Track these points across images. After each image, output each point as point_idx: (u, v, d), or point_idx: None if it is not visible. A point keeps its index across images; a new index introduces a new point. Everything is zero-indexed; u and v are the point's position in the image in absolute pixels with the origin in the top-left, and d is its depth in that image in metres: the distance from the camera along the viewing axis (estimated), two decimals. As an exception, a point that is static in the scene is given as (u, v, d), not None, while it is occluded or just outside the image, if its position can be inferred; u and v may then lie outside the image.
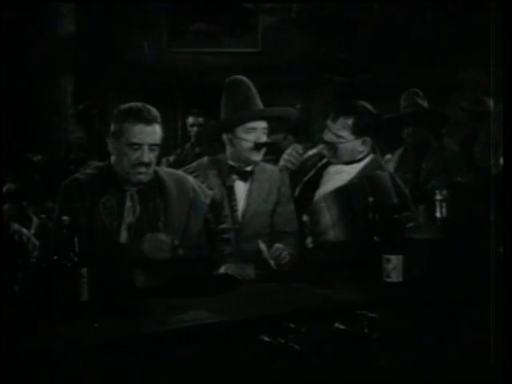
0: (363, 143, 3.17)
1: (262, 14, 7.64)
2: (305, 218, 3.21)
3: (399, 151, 4.51)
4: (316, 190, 3.23)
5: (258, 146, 3.11)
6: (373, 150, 3.25)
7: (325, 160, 3.30)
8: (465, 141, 4.68)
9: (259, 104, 3.15)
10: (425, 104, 4.48)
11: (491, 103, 4.00)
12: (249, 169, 3.18)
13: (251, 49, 7.55)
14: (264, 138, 3.12)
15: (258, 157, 3.13)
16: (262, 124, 3.12)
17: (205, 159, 3.26)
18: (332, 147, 3.19)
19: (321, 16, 7.33)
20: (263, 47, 7.56)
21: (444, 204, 2.87)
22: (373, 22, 7.13)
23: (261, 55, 7.47)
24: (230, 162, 3.17)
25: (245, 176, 3.18)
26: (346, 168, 3.21)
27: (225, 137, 3.16)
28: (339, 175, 3.21)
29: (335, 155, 3.20)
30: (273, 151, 3.69)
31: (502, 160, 2.86)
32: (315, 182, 3.27)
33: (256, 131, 3.11)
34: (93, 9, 6.88)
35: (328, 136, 3.19)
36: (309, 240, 3.19)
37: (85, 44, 6.81)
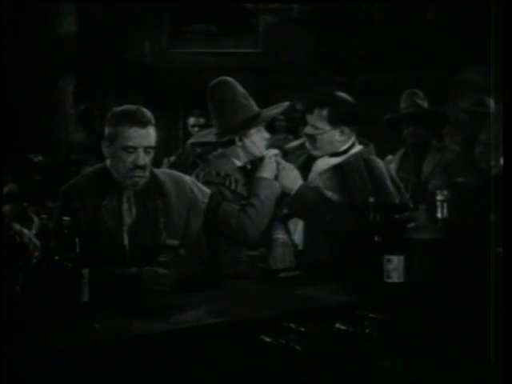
0: (341, 133, 3.17)
1: (262, 14, 7.65)
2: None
3: (400, 152, 4.51)
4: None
5: (266, 141, 3.18)
6: (364, 144, 3.25)
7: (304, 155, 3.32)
8: (465, 141, 4.67)
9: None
10: (425, 104, 4.48)
11: (492, 104, 4.00)
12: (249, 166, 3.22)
13: (251, 49, 7.55)
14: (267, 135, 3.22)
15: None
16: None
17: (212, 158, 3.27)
18: (311, 139, 3.21)
19: (321, 16, 7.33)
20: (263, 48, 7.56)
21: (445, 204, 2.87)
22: (373, 22, 7.13)
23: (261, 55, 7.47)
24: (237, 162, 3.18)
25: (247, 173, 3.21)
26: (335, 160, 3.20)
27: (236, 138, 3.19)
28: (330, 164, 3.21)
29: (315, 147, 3.21)
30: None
31: (502, 160, 2.86)
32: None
33: (262, 129, 3.20)
34: (93, 9, 6.88)
35: (307, 128, 3.22)
36: None
37: (85, 44, 6.81)
